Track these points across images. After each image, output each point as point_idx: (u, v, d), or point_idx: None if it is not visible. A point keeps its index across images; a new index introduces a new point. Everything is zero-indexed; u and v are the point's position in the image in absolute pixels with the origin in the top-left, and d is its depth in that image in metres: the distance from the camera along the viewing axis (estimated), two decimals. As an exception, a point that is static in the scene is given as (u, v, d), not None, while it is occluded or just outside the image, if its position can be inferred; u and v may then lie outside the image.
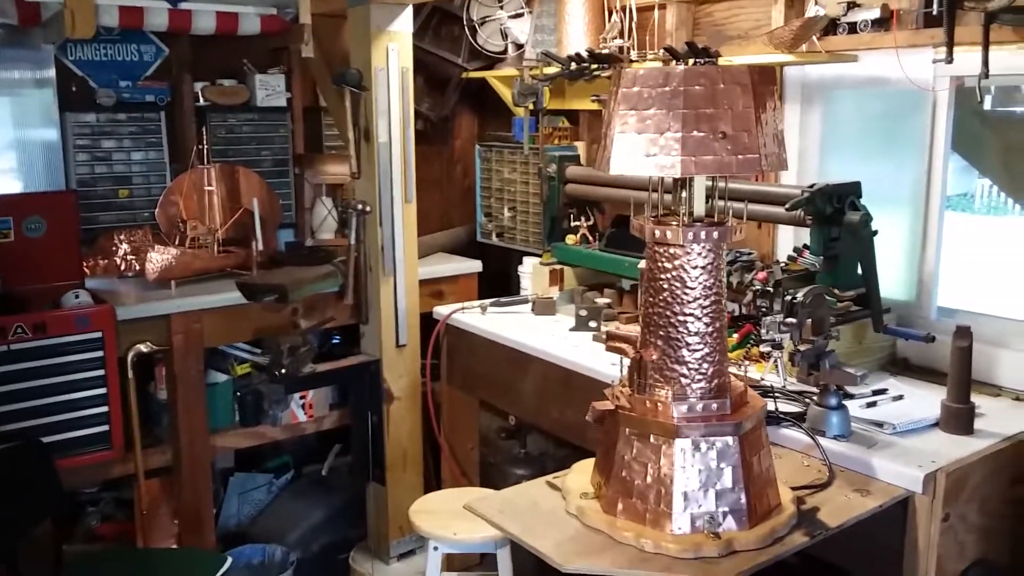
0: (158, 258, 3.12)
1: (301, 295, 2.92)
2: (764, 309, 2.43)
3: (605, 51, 3.16)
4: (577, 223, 3.38)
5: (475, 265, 3.81)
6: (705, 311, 1.69)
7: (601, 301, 3.15)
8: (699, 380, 1.70)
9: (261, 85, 3.65)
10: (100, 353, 2.88)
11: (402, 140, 3.15)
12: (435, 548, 2.55)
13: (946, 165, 2.60)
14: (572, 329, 3.05)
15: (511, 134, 3.90)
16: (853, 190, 2.47)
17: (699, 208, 1.68)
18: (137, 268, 3.38)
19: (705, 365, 1.70)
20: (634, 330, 2.70)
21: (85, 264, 3.22)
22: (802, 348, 2.03)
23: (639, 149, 1.58)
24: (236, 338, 3.29)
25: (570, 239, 3.40)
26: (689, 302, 1.68)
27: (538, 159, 3.55)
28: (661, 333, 1.71)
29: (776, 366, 2.40)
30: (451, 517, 2.57)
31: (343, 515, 3.53)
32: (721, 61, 2.77)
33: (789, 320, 2.01)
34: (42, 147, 3.35)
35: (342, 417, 3.59)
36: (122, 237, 3.39)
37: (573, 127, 3.77)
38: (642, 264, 1.78)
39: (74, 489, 3.17)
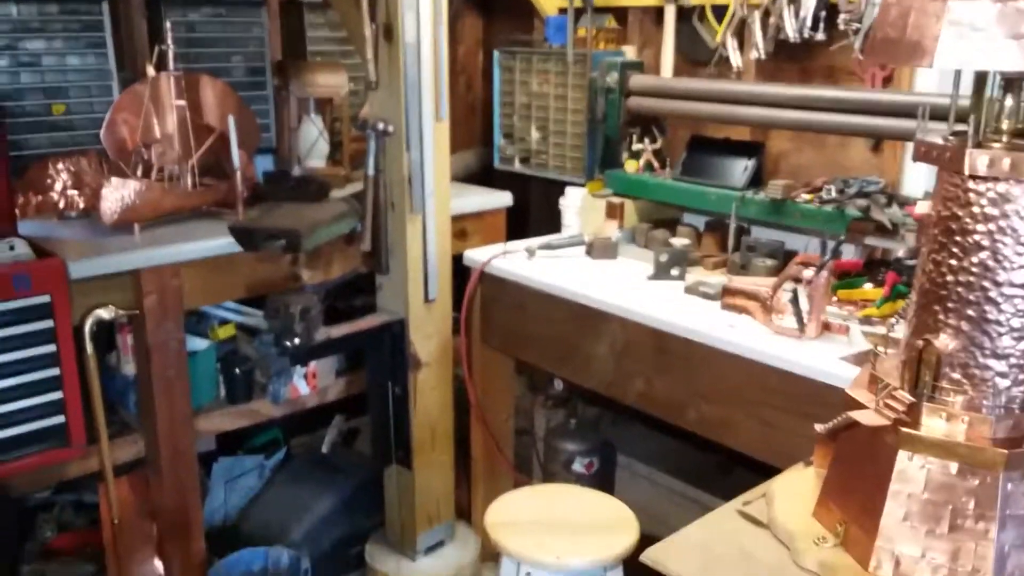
0: (116, 195, 2.38)
1: (317, 241, 2.26)
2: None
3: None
4: (640, 146, 2.77)
5: (504, 198, 3.14)
6: (1044, 280, 1.12)
7: (678, 242, 2.58)
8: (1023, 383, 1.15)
9: (231, -31, 2.89)
10: (49, 323, 2.17)
11: (433, 39, 2.45)
12: (528, 575, 1.99)
13: None
14: (651, 278, 2.48)
15: (539, 37, 3.22)
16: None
17: (1053, 123, 1.10)
18: (81, 206, 2.64)
19: (1034, 360, 1.15)
20: (762, 283, 2.14)
21: (14, 202, 2.46)
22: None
23: (995, 28, 0.98)
24: (223, 297, 2.60)
25: (630, 165, 2.79)
26: (1022, 267, 1.11)
27: (582, 67, 2.91)
28: (969, 312, 1.14)
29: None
30: (542, 533, 2.00)
31: (355, 502, 2.92)
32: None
33: None
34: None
35: (349, 385, 2.95)
36: (60, 166, 2.63)
37: (620, 28, 3.10)
38: (923, 208, 1.20)
39: (21, 495, 2.48)
